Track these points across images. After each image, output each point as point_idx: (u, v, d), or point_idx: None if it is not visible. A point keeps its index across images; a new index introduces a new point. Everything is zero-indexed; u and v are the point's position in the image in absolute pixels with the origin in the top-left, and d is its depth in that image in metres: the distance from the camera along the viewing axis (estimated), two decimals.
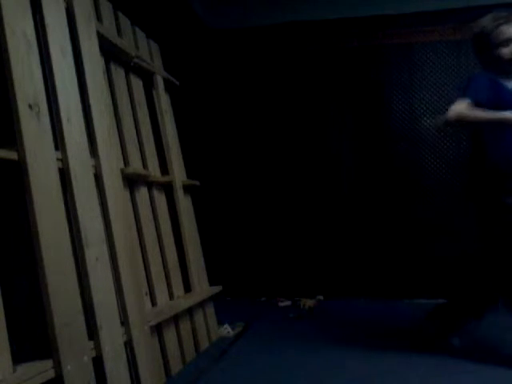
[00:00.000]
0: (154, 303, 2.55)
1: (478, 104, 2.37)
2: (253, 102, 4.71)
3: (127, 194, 2.53)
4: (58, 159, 1.85)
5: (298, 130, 4.64)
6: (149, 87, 3.08)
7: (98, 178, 2.13)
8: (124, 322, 2.11)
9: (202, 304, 3.05)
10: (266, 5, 4.57)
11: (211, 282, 3.33)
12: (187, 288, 2.97)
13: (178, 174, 3.12)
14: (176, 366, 2.56)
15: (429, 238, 4.40)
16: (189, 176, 3.36)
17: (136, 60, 2.81)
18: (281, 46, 4.67)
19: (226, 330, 3.29)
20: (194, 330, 2.88)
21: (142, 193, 2.69)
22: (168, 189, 3.03)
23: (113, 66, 2.62)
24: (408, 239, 4.45)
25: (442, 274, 4.32)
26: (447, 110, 2.41)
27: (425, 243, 4.41)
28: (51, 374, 1.62)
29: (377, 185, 4.55)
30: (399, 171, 4.49)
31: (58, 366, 1.64)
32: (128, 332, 2.10)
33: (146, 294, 2.49)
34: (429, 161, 4.45)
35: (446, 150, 4.41)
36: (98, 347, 1.88)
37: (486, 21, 2.49)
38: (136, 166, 2.65)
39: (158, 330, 2.47)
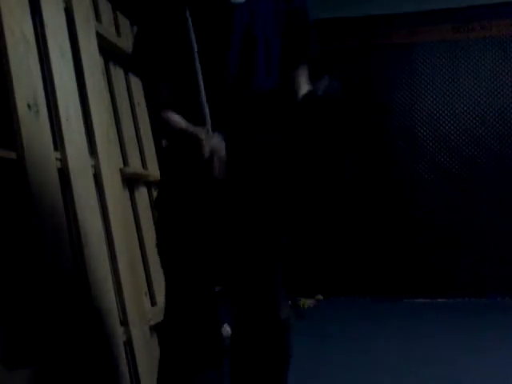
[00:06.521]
0: (153, 303, 2.55)
1: None
2: None
3: (127, 194, 2.52)
4: (57, 159, 1.85)
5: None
6: None
7: (98, 177, 2.13)
8: (123, 321, 2.11)
9: None
10: None
11: None
12: None
13: None
14: None
15: (428, 238, 4.41)
16: None
17: None
18: None
19: (226, 330, 3.29)
20: None
21: (142, 193, 2.68)
22: None
23: (112, 66, 2.61)
24: (408, 238, 4.45)
25: (442, 273, 4.33)
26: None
27: (424, 242, 4.41)
28: None
29: (375, 183, 4.55)
30: (398, 169, 4.50)
31: None
32: (128, 332, 2.10)
33: (146, 294, 2.48)
34: (430, 159, 4.45)
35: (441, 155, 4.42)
36: None
37: None
38: (135, 165, 2.64)
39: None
